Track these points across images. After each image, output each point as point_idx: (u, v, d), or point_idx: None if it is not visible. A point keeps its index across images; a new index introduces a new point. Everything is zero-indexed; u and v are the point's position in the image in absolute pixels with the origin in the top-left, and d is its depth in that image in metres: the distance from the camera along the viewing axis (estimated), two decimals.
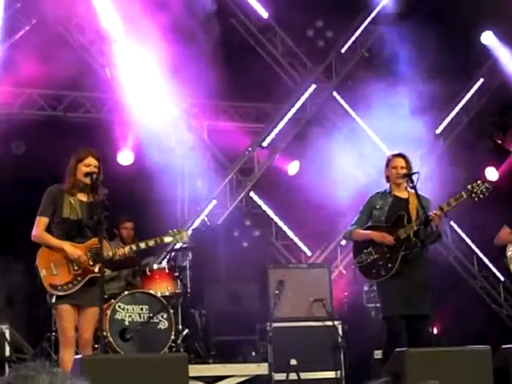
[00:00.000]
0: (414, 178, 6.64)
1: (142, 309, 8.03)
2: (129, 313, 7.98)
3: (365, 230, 6.87)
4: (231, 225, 11.29)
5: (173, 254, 9.16)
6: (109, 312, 7.78)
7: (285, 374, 8.15)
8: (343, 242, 11.79)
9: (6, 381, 2.27)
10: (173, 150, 11.30)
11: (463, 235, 12.92)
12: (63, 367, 5.64)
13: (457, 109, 13.06)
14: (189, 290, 9.02)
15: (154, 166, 10.32)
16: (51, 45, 10.08)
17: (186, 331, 8.65)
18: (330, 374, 8.32)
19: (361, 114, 12.38)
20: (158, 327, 8.03)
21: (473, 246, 12.95)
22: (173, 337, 8.03)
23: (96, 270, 5.97)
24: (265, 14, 12.28)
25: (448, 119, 12.98)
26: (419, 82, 11.44)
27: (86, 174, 6.06)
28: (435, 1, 11.83)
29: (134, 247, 6.37)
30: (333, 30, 12.42)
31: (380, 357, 7.46)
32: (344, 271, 11.93)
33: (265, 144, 12.14)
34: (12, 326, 8.22)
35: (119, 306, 7.94)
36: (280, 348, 8.25)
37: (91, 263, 6.01)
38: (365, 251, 6.82)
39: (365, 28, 12.65)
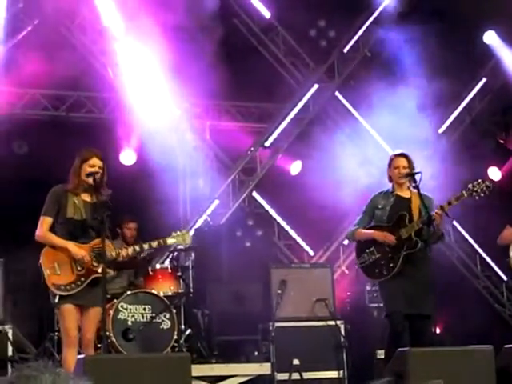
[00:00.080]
0: (417, 177, 6.65)
1: (144, 309, 8.03)
2: (131, 313, 7.98)
3: (367, 229, 6.88)
4: (234, 225, 11.28)
5: (175, 253, 9.15)
6: (111, 312, 7.78)
7: (287, 374, 8.15)
8: (346, 242, 11.78)
9: (8, 380, 2.27)
10: (175, 149, 11.30)
11: (466, 235, 12.91)
12: (66, 367, 5.64)
13: (459, 108, 13.06)
14: (191, 290, 9.02)
15: (156, 166, 10.32)
16: (53, 45, 10.09)
17: (189, 331, 8.65)
18: (333, 374, 8.31)
19: (363, 113, 12.38)
20: (161, 327, 8.03)
21: (475, 246, 12.94)
22: (175, 337, 8.03)
23: (99, 270, 5.97)
24: (267, 14, 12.28)
25: (450, 119, 12.97)
26: (421, 81, 11.42)
27: (89, 174, 6.07)
28: (437, 0, 11.82)
29: (137, 248, 6.37)
30: (335, 30, 12.42)
31: (382, 357, 7.46)
32: (346, 271, 11.92)
33: (267, 144, 12.14)
34: (15, 325, 8.23)
35: (122, 306, 7.95)
36: (282, 348, 8.25)
37: (95, 264, 6.02)
38: (367, 251, 6.83)
39: (367, 28, 12.65)
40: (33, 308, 9.29)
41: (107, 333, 7.35)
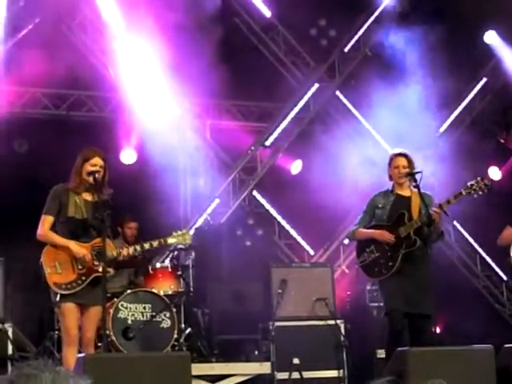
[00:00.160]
0: (417, 176, 6.65)
1: (144, 307, 8.03)
2: (132, 311, 7.98)
3: (367, 229, 6.89)
4: (234, 224, 11.29)
5: (176, 252, 9.16)
6: (112, 311, 7.79)
7: (287, 373, 8.15)
8: (346, 241, 11.78)
9: (8, 379, 2.28)
10: (175, 149, 11.30)
11: (466, 235, 12.91)
12: (66, 366, 5.64)
13: (460, 108, 13.06)
14: (192, 289, 9.03)
15: (156, 165, 10.33)
16: (54, 44, 10.09)
17: (189, 330, 8.65)
18: (333, 373, 8.32)
19: (364, 113, 12.39)
20: (161, 326, 8.03)
21: (476, 246, 12.95)
22: (175, 336, 8.03)
23: (100, 269, 5.97)
24: (268, 13, 12.28)
25: (451, 119, 12.98)
26: (422, 81, 11.42)
27: (89, 173, 6.07)
28: (438, 0, 11.82)
29: (138, 248, 6.37)
30: (336, 29, 12.42)
31: (383, 356, 7.46)
32: (347, 270, 11.93)
33: (268, 143, 12.14)
34: (15, 324, 8.23)
35: (122, 305, 7.95)
36: (283, 347, 8.25)
37: (96, 263, 6.02)
38: (367, 250, 6.84)
39: (368, 27, 12.65)
40: (33, 307, 9.30)
41: (107, 332, 7.35)
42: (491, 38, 12.85)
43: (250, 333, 8.88)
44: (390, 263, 6.68)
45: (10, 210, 9.51)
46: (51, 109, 11.26)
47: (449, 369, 5.41)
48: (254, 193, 12.07)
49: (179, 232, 6.60)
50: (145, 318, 8.00)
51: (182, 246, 8.69)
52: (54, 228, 6.09)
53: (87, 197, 6.15)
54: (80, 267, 6.02)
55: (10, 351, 7.84)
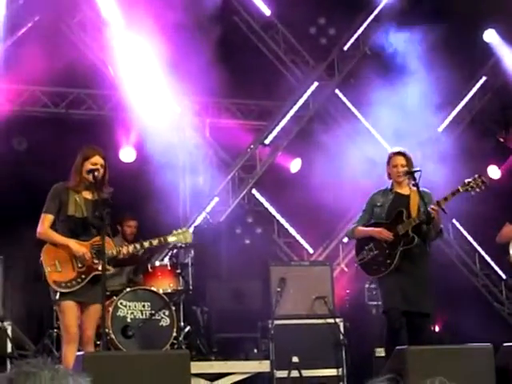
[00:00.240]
0: (416, 175, 6.65)
1: (143, 306, 8.03)
2: (131, 310, 7.98)
3: (366, 227, 6.89)
4: (233, 222, 11.30)
5: (175, 251, 9.16)
6: (111, 309, 7.79)
7: (286, 372, 8.14)
8: (345, 240, 11.79)
9: (7, 377, 2.28)
10: (175, 147, 11.30)
11: (465, 233, 12.92)
12: (65, 364, 5.65)
13: (459, 107, 13.06)
14: (191, 287, 9.03)
15: (156, 164, 10.33)
16: (53, 42, 10.09)
17: (188, 328, 8.65)
18: (332, 372, 8.31)
19: (363, 111, 12.39)
20: (160, 324, 8.04)
21: (474, 244, 12.95)
22: (175, 334, 8.03)
23: (100, 267, 5.97)
24: (267, 12, 12.28)
25: (450, 117, 12.97)
26: (421, 80, 11.42)
27: (89, 171, 6.06)
28: None
29: (138, 246, 6.36)
30: (335, 28, 12.42)
31: (382, 354, 7.46)
32: (346, 269, 11.93)
33: (267, 141, 12.15)
34: (14, 322, 8.24)
35: (121, 303, 7.95)
36: (282, 345, 8.25)
37: (95, 261, 6.02)
38: (366, 248, 6.85)
39: (367, 26, 12.65)
40: (32, 305, 9.30)
41: (106, 330, 7.35)
42: (491, 36, 12.85)
43: (249, 331, 8.88)
44: (389, 261, 6.69)
45: (10, 208, 9.50)
46: (50, 107, 11.27)
47: (448, 367, 5.41)
48: (254, 191, 12.08)
49: (179, 230, 6.59)
50: (144, 316, 8.00)
51: (182, 245, 8.70)
52: (53, 226, 6.09)
53: (87, 195, 6.15)
54: (80, 265, 6.02)
55: (9, 349, 7.84)
